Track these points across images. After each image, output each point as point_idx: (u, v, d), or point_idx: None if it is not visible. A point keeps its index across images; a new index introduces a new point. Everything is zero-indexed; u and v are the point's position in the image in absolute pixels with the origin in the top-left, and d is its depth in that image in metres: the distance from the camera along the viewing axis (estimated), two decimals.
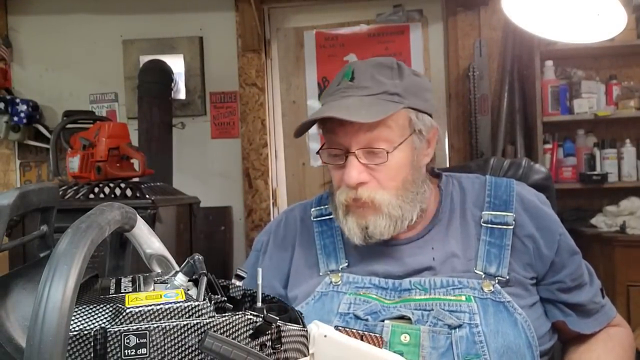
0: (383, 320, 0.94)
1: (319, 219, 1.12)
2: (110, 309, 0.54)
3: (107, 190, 1.86)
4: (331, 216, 1.10)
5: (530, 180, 1.20)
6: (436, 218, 1.05)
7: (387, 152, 0.97)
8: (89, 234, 0.49)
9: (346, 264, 1.05)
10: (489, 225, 1.02)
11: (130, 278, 0.65)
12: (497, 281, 0.97)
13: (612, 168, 2.85)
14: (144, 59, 3.11)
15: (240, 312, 0.57)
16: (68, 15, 3.28)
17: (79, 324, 0.53)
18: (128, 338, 0.53)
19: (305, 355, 0.62)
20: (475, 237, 1.02)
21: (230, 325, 0.56)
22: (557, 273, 1.01)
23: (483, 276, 0.97)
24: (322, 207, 1.13)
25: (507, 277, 0.97)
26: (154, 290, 0.60)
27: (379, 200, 0.98)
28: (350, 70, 1.02)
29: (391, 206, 0.98)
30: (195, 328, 0.55)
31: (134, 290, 0.60)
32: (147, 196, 1.82)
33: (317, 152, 1.04)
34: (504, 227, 1.01)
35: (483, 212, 1.03)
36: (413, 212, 1.00)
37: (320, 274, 1.06)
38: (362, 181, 0.97)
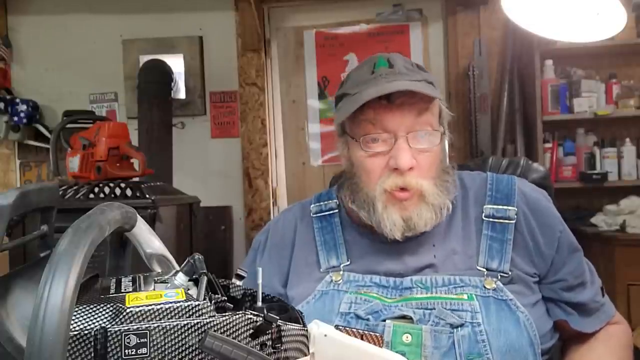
0: (384, 320, 0.94)
1: (318, 215, 1.11)
2: (111, 308, 0.54)
3: (107, 190, 1.86)
4: (331, 212, 1.10)
5: (528, 180, 1.20)
6: None
7: (442, 134, 0.99)
8: (89, 234, 0.49)
9: (347, 262, 1.04)
10: (491, 220, 1.01)
11: (131, 278, 0.65)
12: (499, 277, 0.97)
13: (612, 167, 2.85)
14: (144, 58, 3.10)
15: (241, 312, 0.57)
16: (68, 15, 3.28)
17: (79, 323, 0.53)
18: (128, 338, 0.53)
19: (306, 355, 0.62)
20: (476, 233, 1.02)
21: (231, 325, 0.56)
22: (558, 271, 1.01)
23: (485, 273, 0.97)
24: (321, 203, 1.13)
25: (509, 273, 0.97)
26: (154, 289, 0.60)
27: (425, 188, 0.97)
28: (386, 59, 1.02)
29: (433, 195, 0.98)
30: (196, 328, 0.55)
31: (134, 290, 0.60)
32: (147, 196, 1.82)
33: (357, 140, 1.00)
34: (506, 221, 1.01)
35: (485, 206, 1.03)
36: (448, 201, 1.01)
37: (321, 270, 1.05)
38: (412, 166, 0.97)
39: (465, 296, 0.95)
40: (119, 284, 0.63)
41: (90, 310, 0.54)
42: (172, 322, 0.54)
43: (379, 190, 0.98)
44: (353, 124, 1.02)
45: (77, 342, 0.52)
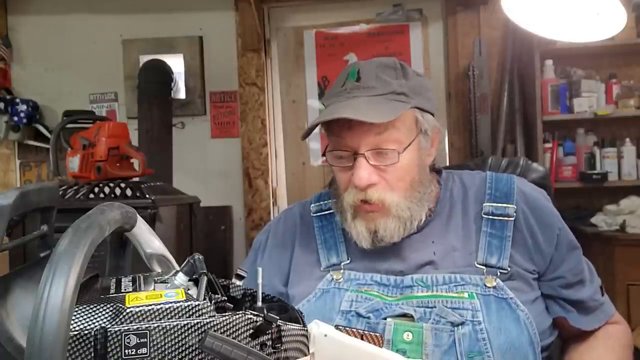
0: (385, 318, 0.94)
1: (318, 214, 1.12)
2: (111, 308, 0.54)
3: (107, 190, 1.86)
4: (331, 211, 1.10)
5: (528, 179, 1.20)
6: (435, 211, 1.05)
7: (399, 153, 0.97)
8: (89, 234, 0.49)
9: (348, 260, 1.05)
10: (490, 217, 1.02)
11: (131, 278, 0.65)
12: (498, 274, 0.97)
13: (612, 167, 2.85)
14: (144, 58, 3.10)
15: (241, 312, 0.57)
16: (68, 15, 3.28)
17: (79, 323, 0.53)
18: (128, 338, 0.53)
19: (306, 355, 0.62)
20: (476, 230, 1.02)
21: (231, 325, 0.56)
22: (557, 269, 1.02)
23: (485, 270, 0.98)
24: (321, 202, 1.13)
25: (509, 269, 0.97)
26: (154, 289, 0.60)
27: (389, 202, 0.97)
28: (356, 70, 1.01)
29: (400, 208, 0.98)
30: (196, 328, 0.55)
31: (134, 290, 0.60)
32: (147, 196, 1.82)
33: (323, 154, 1.03)
34: (505, 218, 1.01)
35: (484, 204, 1.03)
36: (421, 213, 1.01)
37: (322, 269, 1.06)
38: (372, 182, 0.97)
39: (466, 294, 0.95)
40: (119, 284, 0.63)
41: (90, 310, 0.54)
42: (172, 322, 0.54)
43: (346, 203, 1.00)
44: (328, 137, 1.04)
45: (77, 342, 0.52)
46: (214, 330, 0.55)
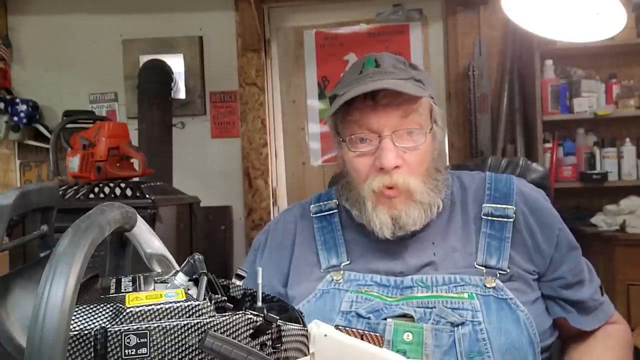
0: (385, 319, 0.94)
1: (318, 215, 1.12)
2: (111, 308, 0.54)
3: (107, 190, 1.86)
4: (331, 212, 1.10)
5: (527, 180, 1.20)
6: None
7: (426, 133, 0.99)
8: (89, 234, 0.49)
9: (348, 261, 1.05)
10: (489, 218, 1.02)
11: (131, 278, 0.65)
12: (497, 275, 0.97)
13: (612, 167, 2.85)
14: (144, 58, 3.10)
15: (241, 312, 0.57)
16: (68, 15, 3.28)
17: (79, 323, 0.53)
18: (128, 338, 0.53)
19: (306, 355, 0.62)
20: (475, 231, 1.02)
21: (231, 325, 0.56)
22: (557, 269, 1.02)
23: (484, 271, 0.98)
24: (321, 203, 1.13)
25: (508, 271, 0.97)
26: (154, 289, 0.60)
27: (413, 187, 0.98)
28: (373, 59, 1.03)
29: (421, 193, 0.99)
30: (196, 328, 0.55)
31: (134, 290, 0.60)
32: (147, 196, 1.82)
33: (344, 140, 1.03)
34: (504, 219, 1.01)
35: (483, 205, 1.04)
36: (438, 200, 1.02)
37: (322, 270, 1.05)
38: (398, 165, 0.97)
39: (465, 295, 0.95)
40: (119, 284, 0.63)
41: (90, 310, 0.54)
42: (172, 322, 0.54)
43: (368, 190, 1.00)
44: (342, 125, 1.04)
45: (77, 342, 0.52)
46: (214, 330, 0.55)
